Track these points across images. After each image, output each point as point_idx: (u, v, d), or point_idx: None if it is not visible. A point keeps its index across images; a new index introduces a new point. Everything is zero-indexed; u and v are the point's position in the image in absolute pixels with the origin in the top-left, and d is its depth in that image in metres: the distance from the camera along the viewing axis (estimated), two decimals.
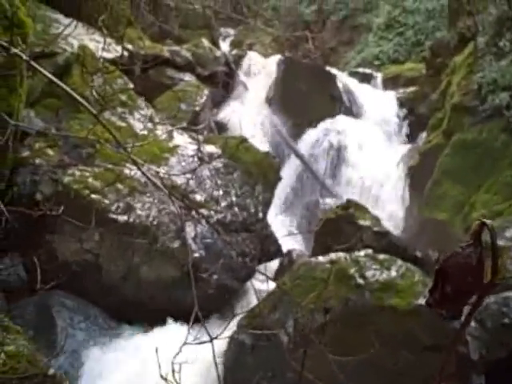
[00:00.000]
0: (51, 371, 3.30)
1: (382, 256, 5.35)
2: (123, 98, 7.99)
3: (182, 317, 5.79)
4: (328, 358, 4.58)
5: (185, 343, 3.19)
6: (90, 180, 6.57)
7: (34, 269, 5.97)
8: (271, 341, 5.11)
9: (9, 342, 3.23)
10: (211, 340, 3.17)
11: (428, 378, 4.78)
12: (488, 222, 1.53)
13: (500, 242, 5.73)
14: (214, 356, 3.33)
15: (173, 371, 3.07)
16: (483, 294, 1.52)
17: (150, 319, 5.98)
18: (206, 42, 11.82)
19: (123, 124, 7.63)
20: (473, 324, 5.03)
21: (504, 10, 8.10)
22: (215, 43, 13.51)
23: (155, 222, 6.46)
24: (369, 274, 5.17)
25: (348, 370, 4.87)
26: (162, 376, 2.97)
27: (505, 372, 4.91)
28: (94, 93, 6.24)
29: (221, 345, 5.49)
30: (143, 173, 3.24)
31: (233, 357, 5.26)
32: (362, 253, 5.41)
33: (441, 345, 4.84)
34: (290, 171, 8.97)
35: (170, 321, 5.89)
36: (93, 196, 6.39)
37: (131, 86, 8.51)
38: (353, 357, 4.89)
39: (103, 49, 8.67)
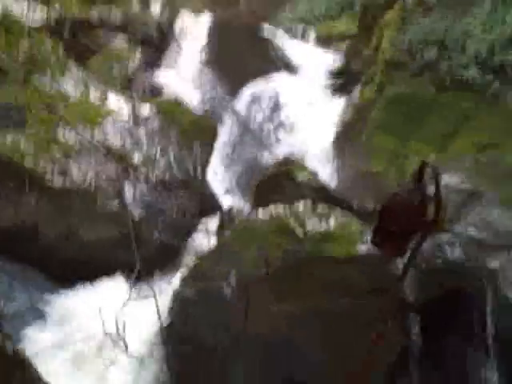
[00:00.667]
0: None
1: (320, 207, 5.47)
2: (53, 59, 7.77)
3: (126, 276, 5.81)
4: (270, 308, 4.70)
5: (129, 299, 3.22)
6: (23, 144, 6.42)
7: None
8: (214, 294, 5.18)
9: None
10: (155, 295, 3.21)
11: (369, 320, 4.98)
12: (430, 161, 1.60)
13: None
14: (158, 310, 3.38)
15: (117, 328, 3.10)
16: (426, 231, 1.60)
17: (91, 279, 5.95)
18: (136, 3, 11.54)
19: (55, 87, 7.43)
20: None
21: None
22: (146, 2, 13.21)
23: (93, 184, 6.39)
24: (308, 224, 5.28)
25: (292, 320, 5.02)
26: (106, 333, 2.99)
27: (438, 311, 5.15)
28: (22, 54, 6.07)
29: (164, 302, 5.54)
30: (78, 133, 3.21)
31: (176, 312, 5.30)
32: (301, 205, 5.51)
33: (379, 289, 5.02)
34: (228, 129, 8.96)
35: (112, 280, 5.87)
36: (27, 160, 6.25)
37: (61, 49, 8.28)
38: (293, 305, 5.04)
39: (28, 14, 8.38)
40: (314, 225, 5.27)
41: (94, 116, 7.14)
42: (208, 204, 7.05)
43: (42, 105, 7.01)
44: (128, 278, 5.75)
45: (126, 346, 3.59)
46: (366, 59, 9.21)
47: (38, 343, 5.22)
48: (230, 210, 6.97)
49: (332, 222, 5.31)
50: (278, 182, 6.31)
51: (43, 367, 4.07)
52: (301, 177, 6.37)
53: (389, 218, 1.60)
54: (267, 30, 10.75)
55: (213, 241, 6.28)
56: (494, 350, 5.08)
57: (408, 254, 1.72)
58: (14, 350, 3.56)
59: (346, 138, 7.97)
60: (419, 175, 1.56)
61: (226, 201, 7.38)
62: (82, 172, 6.46)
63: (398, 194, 1.60)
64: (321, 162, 7.62)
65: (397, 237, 1.63)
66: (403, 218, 1.59)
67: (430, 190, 1.58)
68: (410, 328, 5.09)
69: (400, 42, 8.14)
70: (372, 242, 1.68)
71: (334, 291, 5.02)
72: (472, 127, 6.39)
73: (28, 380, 3.42)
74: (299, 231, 5.23)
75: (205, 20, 10.99)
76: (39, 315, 5.55)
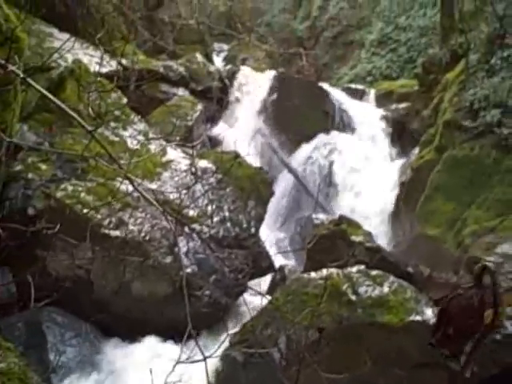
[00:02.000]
0: None
1: (374, 272, 5.36)
2: (117, 112, 7.99)
3: (175, 333, 5.78)
4: (321, 375, 4.57)
5: (178, 362, 3.18)
6: (83, 195, 6.55)
7: (24, 285, 5.95)
8: (264, 358, 5.09)
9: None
10: (205, 359, 3.15)
11: None
12: (489, 264, 1.55)
13: (491, 259, 5.75)
14: (207, 374, 3.32)
15: None
16: (483, 335, 1.53)
17: (142, 335, 5.94)
18: (199, 57, 11.87)
19: (116, 139, 7.62)
20: None
21: (495, 27, 8.18)
22: (209, 58, 13.58)
23: (147, 238, 6.45)
24: (361, 290, 5.18)
25: None
26: None
27: None
28: (90, 110, 6.24)
29: (213, 362, 5.48)
30: (137, 189, 3.25)
31: (225, 374, 5.24)
32: (355, 269, 5.42)
33: (431, 362, 4.84)
34: (282, 187, 8.99)
35: (162, 337, 5.85)
36: (85, 211, 6.37)
37: (125, 100, 8.53)
38: (345, 374, 4.88)
39: (98, 63, 8.70)
40: (367, 290, 5.15)
41: (152, 168, 7.27)
42: (260, 262, 7.01)
43: (105, 157, 7.19)
44: (178, 335, 5.74)
45: None
46: (425, 120, 9.14)
47: None
48: (283, 269, 6.92)
49: (386, 287, 5.19)
50: (331, 241, 6.24)
51: None
52: (355, 237, 6.28)
53: (447, 321, 1.54)
54: (327, 88, 10.84)
55: (264, 301, 6.20)
56: None
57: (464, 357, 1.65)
58: None
59: (404, 200, 7.86)
60: (479, 277, 1.50)
61: (279, 260, 7.32)
62: (138, 224, 6.53)
63: (458, 295, 1.55)
64: (376, 224, 7.52)
65: (455, 338, 1.56)
66: (461, 320, 1.53)
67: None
68: None
69: (461, 103, 8.06)
70: (429, 343, 1.62)
71: (385, 361, 4.86)
72: None
73: None
74: (352, 296, 5.12)
75: (265, 77, 11.17)
76: (88, 369, 5.55)
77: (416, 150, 8.60)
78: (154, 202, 3.38)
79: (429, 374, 4.85)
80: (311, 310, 5.20)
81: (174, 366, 2.95)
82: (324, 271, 5.49)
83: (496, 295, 1.35)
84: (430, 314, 5.04)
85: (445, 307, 1.38)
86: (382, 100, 10.84)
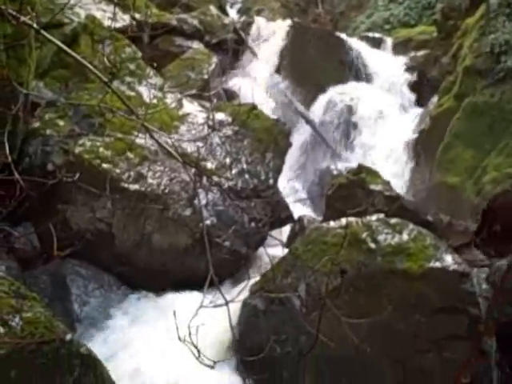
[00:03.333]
0: (68, 336, 3.36)
1: (393, 220, 5.35)
2: (132, 67, 7.96)
3: (196, 283, 5.86)
4: (341, 320, 4.62)
5: (201, 306, 3.24)
6: (101, 150, 6.58)
7: (47, 238, 6.05)
8: (284, 305, 5.15)
9: (26, 308, 3.29)
10: (227, 303, 3.21)
11: (440, 339, 4.84)
12: None
13: None
14: (230, 318, 3.38)
15: (189, 334, 3.12)
16: None
17: (164, 286, 6.04)
18: (213, 9, 11.71)
19: (132, 93, 7.59)
20: (484, 286, 5.06)
21: None
22: (223, 10, 13.38)
23: (166, 190, 6.48)
24: (381, 238, 5.19)
25: (361, 333, 4.92)
26: (179, 338, 3.02)
27: None
28: (106, 60, 6.22)
29: (235, 309, 5.56)
30: (155, 140, 3.25)
31: (246, 321, 5.32)
32: (374, 217, 5.42)
33: (452, 307, 4.87)
34: (300, 138, 8.94)
35: (183, 287, 5.93)
36: (104, 165, 6.41)
37: (139, 54, 8.48)
38: (366, 319, 4.94)
39: (111, 18, 8.61)
40: (386, 238, 5.16)
41: (169, 121, 7.26)
42: (279, 213, 7.03)
43: (121, 110, 7.20)
44: (199, 285, 5.82)
45: (198, 352, 3.59)
46: (444, 67, 8.99)
47: (108, 345, 5.32)
48: (302, 219, 6.94)
49: (405, 235, 5.19)
50: (350, 190, 6.24)
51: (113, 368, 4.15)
52: (374, 185, 6.26)
53: (493, 219, 1.55)
54: (344, 36, 10.66)
55: (284, 251, 6.24)
56: None
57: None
58: (88, 352, 3.65)
59: (423, 148, 7.79)
60: None
61: (298, 210, 7.34)
62: (157, 178, 6.57)
63: (505, 193, 1.55)
64: (395, 172, 7.48)
65: (502, 235, 1.57)
66: (509, 217, 1.53)
67: None
68: (486, 349, 4.91)
69: (481, 48, 7.90)
70: (474, 244, 1.62)
71: (405, 307, 4.90)
72: None
73: (99, 380, 3.50)
74: (371, 244, 5.14)
75: (281, 26, 11.01)
76: (113, 319, 5.67)
77: (435, 98, 8.49)
78: (174, 152, 3.38)
79: (448, 320, 4.88)
80: (330, 258, 5.23)
81: (197, 310, 3.01)
82: (343, 220, 5.50)
83: None
84: (449, 260, 5.05)
85: (489, 207, 1.38)
86: (401, 48, 10.65)
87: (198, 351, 2.81)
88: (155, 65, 8.42)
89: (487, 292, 5.02)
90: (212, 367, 3.10)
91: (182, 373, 5.13)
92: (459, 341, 4.84)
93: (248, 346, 5.18)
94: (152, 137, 3.10)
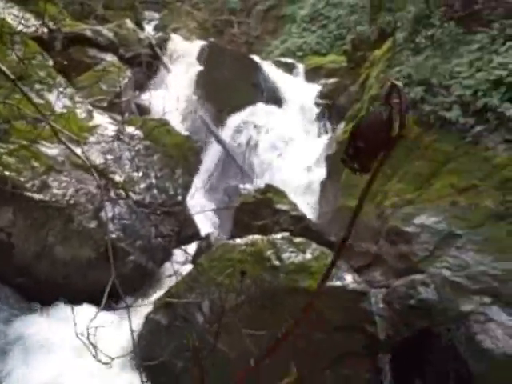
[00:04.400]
0: None
1: (297, 239, 5.48)
2: (42, 74, 7.77)
3: (99, 297, 5.74)
4: (242, 333, 4.67)
5: (100, 309, 3.20)
6: (5, 157, 6.37)
7: None
8: (187, 321, 5.14)
9: None
10: (128, 307, 3.18)
11: (338, 356, 4.98)
12: (397, 82, 1.64)
13: (409, 229, 6.00)
14: (130, 322, 3.35)
15: (88, 335, 3.08)
16: (390, 147, 1.63)
17: (65, 299, 5.87)
18: (129, 24, 11.64)
19: (41, 101, 7.41)
20: (381, 305, 5.26)
21: (421, 7, 8.40)
22: (139, 25, 13.33)
23: (72, 202, 6.35)
24: (284, 256, 5.29)
25: (262, 350, 4.99)
26: (77, 335, 2.97)
27: (409, 351, 5.16)
28: (14, 55, 6.05)
29: (137, 325, 5.49)
30: (63, 142, 3.20)
31: (148, 336, 5.26)
32: (279, 236, 5.53)
33: (350, 325, 5.03)
34: (211, 156, 9.00)
35: (86, 300, 5.79)
36: (6, 173, 6.20)
37: (51, 62, 8.31)
38: (266, 332, 5.00)
39: (23, 24, 8.39)
40: (290, 256, 5.27)
41: (78, 132, 7.12)
42: (186, 230, 7.03)
43: (27, 118, 7.01)
44: (102, 298, 5.71)
45: (95, 350, 3.53)
46: (352, 95, 9.33)
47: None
48: (209, 236, 6.97)
49: (308, 254, 5.32)
50: (257, 208, 6.34)
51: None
52: (280, 205, 6.39)
53: (359, 136, 1.65)
54: (258, 60, 10.87)
55: (189, 267, 6.25)
56: None
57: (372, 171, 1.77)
58: None
59: (329, 173, 8.03)
60: (387, 95, 1.60)
61: (205, 227, 7.37)
62: (62, 188, 6.42)
63: (369, 114, 1.65)
64: (301, 195, 7.66)
65: (364, 153, 1.67)
66: (371, 135, 1.63)
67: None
68: (381, 367, 5.09)
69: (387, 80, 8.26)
70: (341, 160, 1.71)
71: (307, 325, 5.00)
72: (452, 169, 6.46)
73: None
74: (275, 261, 5.23)
75: (197, 45, 11.09)
76: (9, 334, 5.44)
77: (342, 125, 8.78)
78: (82, 156, 3.34)
79: (347, 337, 5.04)
80: (234, 272, 5.29)
81: (97, 313, 2.97)
82: (249, 237, 5.58)
83: (402, 106, 1.45)
84: (349, 279, 5.22)
85: (356, 126, 1.45)
86: (312, 75, 10.98)
87: (95, 349, 2.77)
88: (67, 75, 8.27)
89: (384, 311, 5.22)
90: (109, 364, 3.04)
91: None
92: (356, 358, 5.00)
93: (150, 360, 5.12)
94: (59, 139, 3.05)
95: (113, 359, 2.84)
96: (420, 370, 5.14)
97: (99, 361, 2.76)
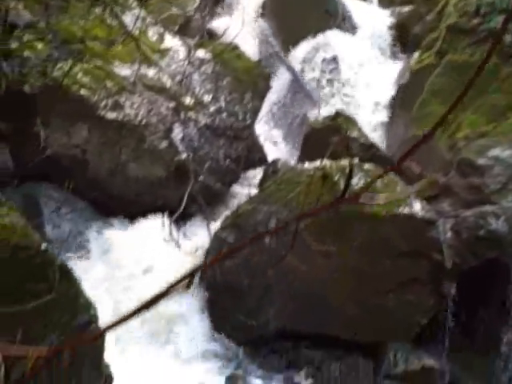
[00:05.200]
0: (44, 246, 3.39)
1: (367, 165, 5.45)
2: None
3: (169, 214, 5.94)
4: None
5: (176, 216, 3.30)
6: (80, 76, 6.51)
7: (21, 159, 6.02)
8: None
9: (3, 213, 3.31)
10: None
11: (402, 282, 5.02)
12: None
13: (481, 161, 5.87)
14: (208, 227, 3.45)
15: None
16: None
17: (136, 215, 6.07)
18: None
19: (114, 23, 7.46)
20: (449, 234, 5.23)
21: None
22: None
23: (144, 122, 6.47)
24: (353, 181, 5.28)
25: (328, 276, 5.07)
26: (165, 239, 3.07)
27: (475, 280, 5.14)
28: None
29: (205, 244, 5.66)
30: (142, 50, 3.23)
31: (215, 253, 5.41)
32: (348, 161, 5.50)
33: (417, 251, 5.04)
34: (279, 83, 8.92)
35: (156, 217, 5.98)
36: (82, 91, 6.35)
37: None
38: (333, 261, 5.08)
39: None
40: (358, 182, 5.26)
41: (150, 53, 7.18)
42: (254, 154, 7.08)
43: (102, 38, 7.11)
44: (171, 216, 5.89)
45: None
46: (428, 24, 9.00)
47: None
48: (276, 162, 6.99)
49: (378, 180, 5.29)
50: (326, 136, 6.30)
51: None
52: (350, 132, 6.34)
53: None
54: None
55: (256, 190, 6.33)
56: None
57: None
58: (63, 262, 3.69)
59: (401, 102, 7.87)
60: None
61: (273, 153, 7.39)
62: (135, 108, 6.54)
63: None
64: (372, 123, 7.56)
65: None
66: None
67: None
68: (445, 294, 5.10)
69: (466, 7, 7.93)
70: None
71: (373, 250, 5.04)
72: None
73: (74, 288, 3.54)
74: (343, 186, 5.23)
75: None
76: (84, 243, 5.70)
77: (416, 54, 8.53)
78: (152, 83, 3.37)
79: (412, 264, 5.05)
80: (303, 199, 5.33)
81: (172, 220, 3.07)
82: (317, 162, 5.58)
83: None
84: (418, 207, 5.19)
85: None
86: (386, 2, 10.61)
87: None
88: None
89: (451, 240, 5.18)
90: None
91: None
92: (420, 284, 5.02)
93: (215, 278, 5.31)
94: (138, 46, 3.08)
95: (196, 251, 2.96)
96: (484, 298, 5.14)
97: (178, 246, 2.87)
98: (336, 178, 5.34)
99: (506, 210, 5.30)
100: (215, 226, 5.72)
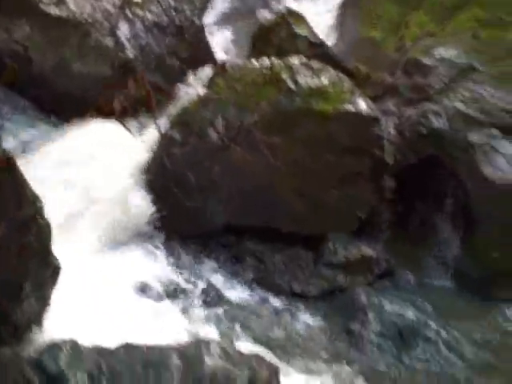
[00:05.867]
0: None
1: (315, 64, 5.46)
2: None
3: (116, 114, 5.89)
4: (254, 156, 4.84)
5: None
6: None
7: None
8: (201, 137, 5.29)
9: None
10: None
11: (345, 177, 5.18)
12: None
13: (427, 61, 5.95)
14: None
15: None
16: None
17: (81, 114, 5.99)
18: None
19: None
20: (392, 132, 5.37)
21: None
22: None
23: (88, 19, 6.29)
24: (301, 79, 5.30)
25: (273, 170, 5.18)
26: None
27: (413, 176, 5.35)
28: None
29: (151, 142, 5.68)
30: None
31: (162, 151, 5.43)
32: (296, 60, 5.49)
33: (360, 147, 5.17)
34: None
35: (98, 116, 5.90)
36: None
37: None
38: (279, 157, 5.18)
39: None
40: (306, 79, 5.29)
41: None
42: (202, 53, 6.97)
43: None
44: (119, 116, 5.86)
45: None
46: None
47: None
48: (224, 62, 6.91)
49: (325, 79, 5.33)
50: (275, 33, 6.25)
51: None
52: (299, 30, 6.29)
53: None
54: None
55: (203, 90, 6.28)
56: (460, 220, 5.33)
57: None
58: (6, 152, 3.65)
59: (352, 2, 7.79)
60: None
61: (221, 53, 7.30)
62: (79, 4, 6.33)
63: None
64: (322, 23, 7.49)
65: None
66: None
67: None
68: (385, 189, 5.30)
69: None
70: None
71: (318, 145, 5.14)
72: (477, 2, 6.26)
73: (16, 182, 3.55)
74: (291, 84, 5.26)
75: None
76: (25, 143, 5.62)
77: None
78: None
79: (355, 160, 5.19)
80: (250, 96, 5.36)
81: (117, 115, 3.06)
82: (265, 60, 5.56)
83: None
84: (363, 105, 5.28)
85: None
86: None
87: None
88: None
89: (394, 138, 5.33)
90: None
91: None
92: (362, 180, 5.19)
93: (162, 173, 5.36)
94: None
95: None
96: (421, 193, 5.36)
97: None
98: (283, 76, 5.35)
99: (447, 108, 5.44)
100: (162, 123, 5.71)
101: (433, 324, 4.73)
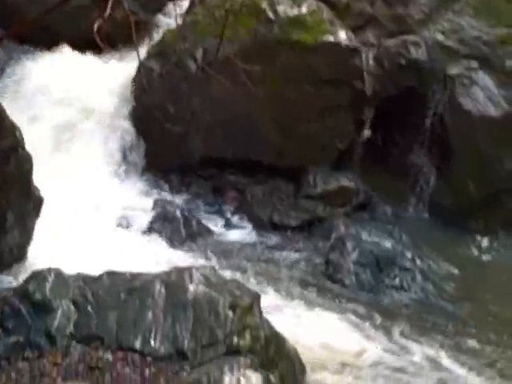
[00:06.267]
0: None
1: None
2: None
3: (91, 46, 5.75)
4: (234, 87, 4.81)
5: None
6: None
7: None
8: (179, 68, 5.24)
9: None
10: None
11: (324, 108, 5.19)
12: None
13: None
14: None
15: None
16: None
17: (55, 44, 5.86)
18: None
19: None
20: (371, 63, 5.36)
21: None
22: None
23: None
24: (280, 8, 5.24)
25: (253, 101, 5.16)
26: None
27: (392, 107, 5.38)
28: None
29: (131, 73, 5.60)
30: None
31: (142, 82, 5.38)
32: None
33: (339, 79, 5.17)
34: None
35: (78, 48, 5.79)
36: None
37: None
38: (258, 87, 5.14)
39: None
40: (285, 9, 5.23)
41: None
42: None
43: None
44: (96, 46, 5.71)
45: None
46: None
47: None
48: None
49: (304, 8, 5.27)
50: None
51: None
52: None
53: None
54: None
55: (181, 20, 6.17)
56: (437, 152, 5.41)
57: None
58: None
59: None
60: None
61: None
62: None
63: None
64: None
65: None
66: None
67: None
68: (364, 121, 5.33)
69: None
70: None
71: (297, 77, 5.13)
72: None
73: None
74: (270, 14, 5.20)
75: None
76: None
77: None
78: None
79: (335, 91, 5.20)
80: (229, 25, 5.27)
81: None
82: None
83: None
84: (343, 36, 5.24)
85: None
86: None
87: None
88: None
89: (373, 69, 5.32)
90: None
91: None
92: (341, 111, 5.22)
93: (142, 105, 5.33)
94: None
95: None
96: (400, 125, 5.41)
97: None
98: (263, 5, 5.28)
99: (427, 39, 5.44)
100: (141, 54, 5.63)
101: (409, 254, 4.83)
